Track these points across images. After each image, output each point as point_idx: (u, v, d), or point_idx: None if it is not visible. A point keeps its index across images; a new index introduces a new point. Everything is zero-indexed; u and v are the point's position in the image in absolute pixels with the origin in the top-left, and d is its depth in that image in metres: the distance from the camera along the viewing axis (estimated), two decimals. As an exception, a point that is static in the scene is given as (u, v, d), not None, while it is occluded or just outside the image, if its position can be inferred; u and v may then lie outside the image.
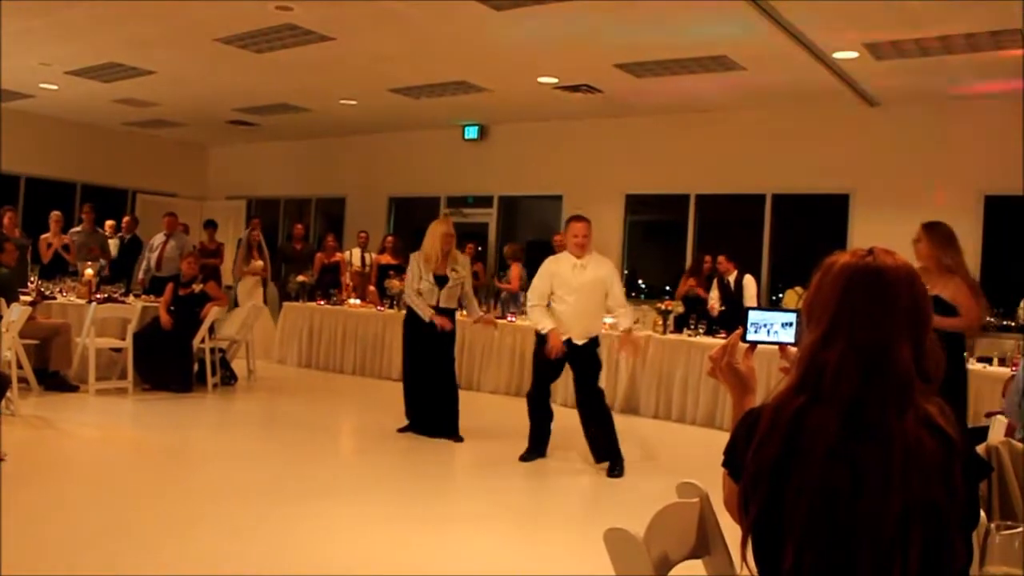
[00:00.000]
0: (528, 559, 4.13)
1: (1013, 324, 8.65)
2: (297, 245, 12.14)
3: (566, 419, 6.24)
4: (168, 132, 14.96)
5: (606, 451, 5.87)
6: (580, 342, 5.85)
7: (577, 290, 5.83)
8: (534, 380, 6.13)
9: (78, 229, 11.02)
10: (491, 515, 4.86)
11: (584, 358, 5.92)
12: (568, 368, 6.08)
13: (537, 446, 6.12)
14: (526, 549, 4.29)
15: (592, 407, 5.92)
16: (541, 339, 5.95)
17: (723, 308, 9.14)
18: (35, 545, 3.82)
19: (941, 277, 4.77)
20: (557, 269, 5.92)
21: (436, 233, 6.61)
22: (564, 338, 5.82)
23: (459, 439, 6.63)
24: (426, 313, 6.50)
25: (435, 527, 4.54)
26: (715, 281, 9.36)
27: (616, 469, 5.80)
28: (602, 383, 6.10)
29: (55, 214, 10.64)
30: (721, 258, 9.36)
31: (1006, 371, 6.57)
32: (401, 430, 6.74)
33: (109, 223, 11.85)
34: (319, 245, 12.60)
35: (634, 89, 9.91)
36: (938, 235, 4.91)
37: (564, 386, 7.30)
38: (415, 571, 3.88)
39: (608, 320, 6.60)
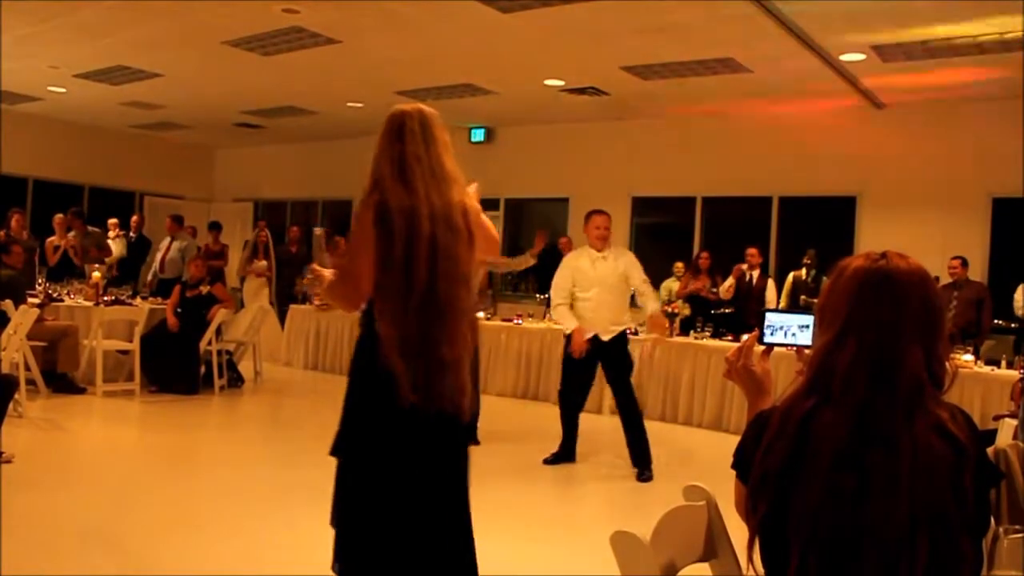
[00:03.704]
0: (533, 562, 4.13)
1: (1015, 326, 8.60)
2: (292, 248, 12.14)
3: (596, 423, 6.19)
4: (175, 135, 15.01)
5: (635, 455, 5.83)
6: (606, 338, 5.79)
7: (598, 282, 5.78)
8: (561, 381, 6.09)
9: (72, 233, 10.99)
10: (495, 518, 4.86)
11: (613, 356, 5.85)
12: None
13: (564, 451, 6.07)
14: (531, 552, 4.29)
15: (625, 409, 5.86)
16: (568, 338, 5.92)
17: (731, 310, 9.12)
18: (42, 546, 3.83)
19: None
20: (577, 263, 5.90)
21: None
22: (590, 335, 5.77)
23: (475, 442, 6.62)
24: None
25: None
26: (732, 278, 9.27)
27: (643, 474, 5.74)
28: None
29: (58, 217, 10.68)
30: (753, 250, 9.31)
31: (1014, 373, 6.52)
32: None
33: (112, 221, 11.86)
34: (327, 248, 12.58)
35: (641, 91, 9.91)
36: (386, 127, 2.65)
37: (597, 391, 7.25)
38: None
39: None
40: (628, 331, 6.02)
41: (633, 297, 6.10)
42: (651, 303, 5.94)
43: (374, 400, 2.53)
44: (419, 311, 2.44)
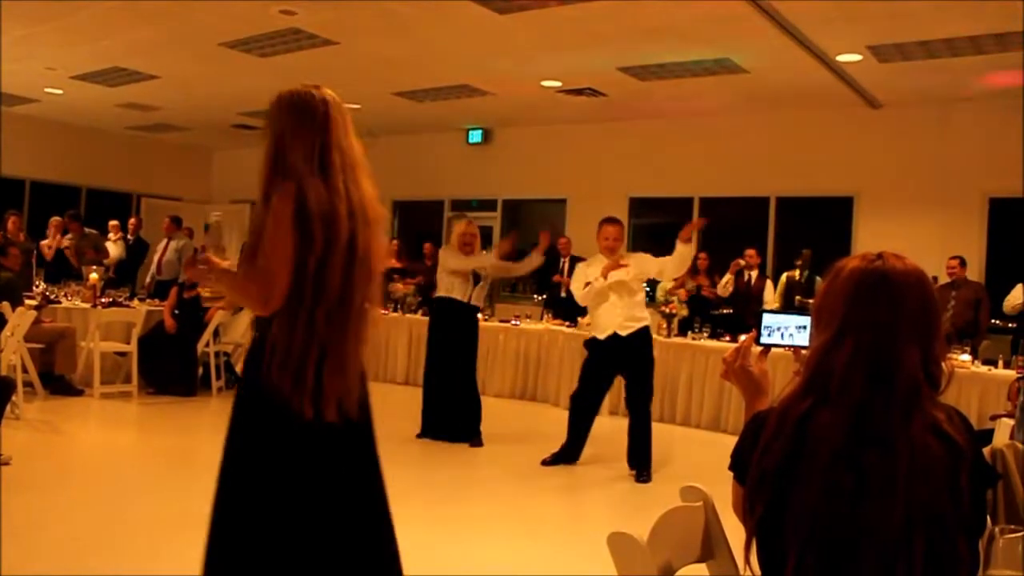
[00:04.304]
0: (533, 562, 4.13)
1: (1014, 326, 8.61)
2: None
3: (596, 423, 6.19)
4: (172, 136, 14.99)
5: (636, 456, 5.86)
6: (625, 333, 5.81)
7: (610, 286, 5.86)
8: (579, 382, 6.08)
9: (69, 236, 10.98)
10: (495, 518, 4.86)
11: (634, 352, 5.86)
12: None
13: (565, 453, 6.07)
14: (531, 552, 4.29)
15: (636, 408, 5.90)
16: (591, 344, 5.99)
17: (730, 311, 9.11)
18: (39, 548, 3.82)
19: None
20: (590, 271, 5.97)
21: (455, 232, 6.91)
22: (608, 333, 5.81)
23: (479, 443, 6.61)
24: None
25: (442, 530, 4.53)
26: (730, 274, 9.26)
27: (642, 476, 5.77)
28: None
29: (54, 219, 10.67)
30: (751, 251, 9.34)
31: (1011, 373, 6.54)
32: (418, 436, 6.72)
33: (112, 224, 11.86)
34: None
35: (638, 92, 9.92)
36: (298, 107, 2.56)
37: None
38: (420, 572, 3.87)
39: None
40: (649, 327, 6.05)
41: (653, 296, 6.15)
42: (676, 261, 5.91)
43: (268, 417, 2.29)
44: (326, 319, 2.23)
